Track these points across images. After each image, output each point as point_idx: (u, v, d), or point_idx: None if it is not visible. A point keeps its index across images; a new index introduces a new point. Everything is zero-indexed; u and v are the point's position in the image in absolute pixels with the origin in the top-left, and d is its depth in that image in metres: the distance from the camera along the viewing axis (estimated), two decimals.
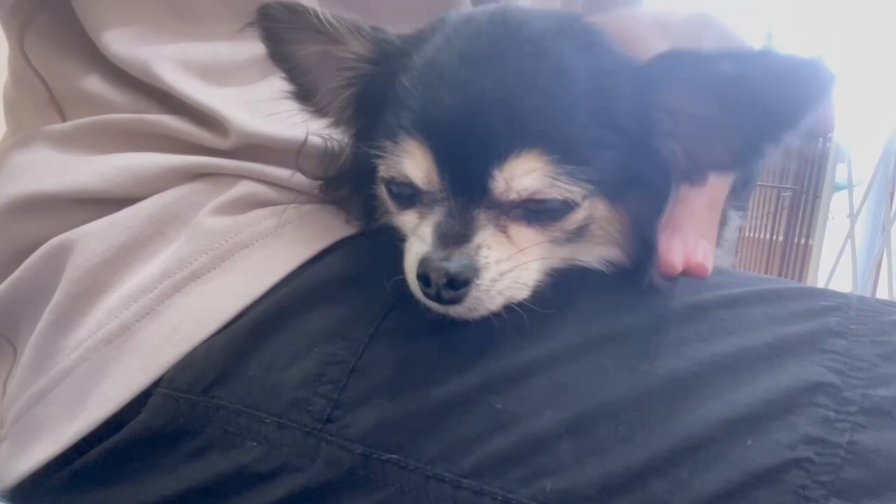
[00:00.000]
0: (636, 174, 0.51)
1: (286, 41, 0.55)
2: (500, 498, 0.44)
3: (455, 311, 0.49)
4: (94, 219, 0.58)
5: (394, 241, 0.53)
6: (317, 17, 0.52)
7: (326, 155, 0.58)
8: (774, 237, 2.38)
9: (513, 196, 0.48)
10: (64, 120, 0.65)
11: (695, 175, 0.51)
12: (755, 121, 0.47)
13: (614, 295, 0.51)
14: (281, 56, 0.56)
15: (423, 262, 0.48)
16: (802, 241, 2.36)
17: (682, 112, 0.49)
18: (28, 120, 0.67)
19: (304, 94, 0.57)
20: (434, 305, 0.49)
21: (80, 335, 0.55)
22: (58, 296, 0.56)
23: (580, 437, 0.44)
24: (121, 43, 0.61)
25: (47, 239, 0.59)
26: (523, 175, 0.48)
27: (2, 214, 0.60)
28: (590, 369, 0.47)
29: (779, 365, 0.45)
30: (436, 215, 0.50)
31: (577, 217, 0.51)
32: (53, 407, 0.55)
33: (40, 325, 0.57)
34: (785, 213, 2.38)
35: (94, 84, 0.63)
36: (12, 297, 0.60)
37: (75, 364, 0.55)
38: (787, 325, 0.48)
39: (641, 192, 0.51)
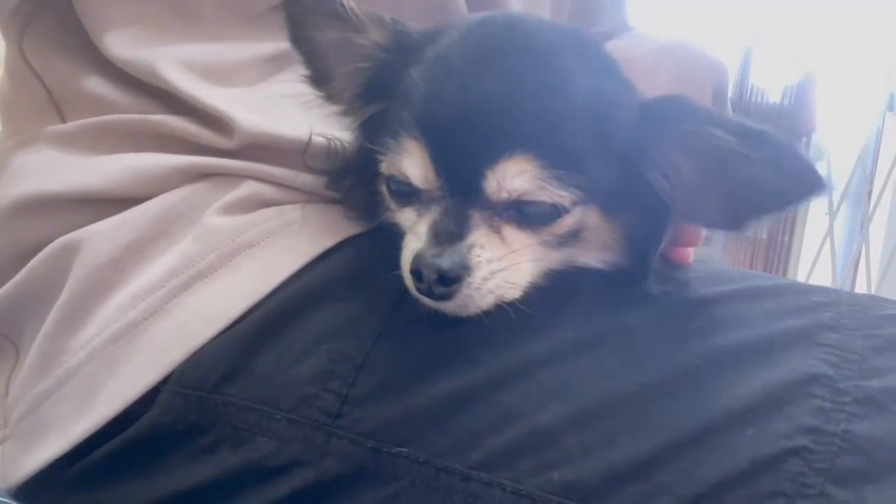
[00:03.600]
0: (631, 192, 0.52)
1: (309, 25, 0.56)
2: (508, 489, 0.45)
3: (446, 307, 0.50)
4: (99, 219, 0.59)
5: (397, 240, 0.54)
6: (341, 4, 0.53)
7: (330, 153, 0.59)
8: (759, 234, 2.42)
9: (504, 196, 0.50)
10: (64, 121, 0.65)
11: (690, 218, 0.53)
12: (743, 197, 0.49)
13: (615, 292, 0.53)
14: (302, 40, 0.57)
15: (416, 259, 0.49)
16: (786, 238, 2.40)
17: (676, 162, 0.51)
18: (26, 121, 0.67)
19: (320, 80, 0.58)
20: (426, 301, 0.50)
21: (87, 334, 0.56)
22: (65, 295, 0.57)
23: (586, 430, 0.46)
24: (123, 45, 0.62)
25: (51, 239, 0.59)
26: (514, 176, 0.49)
27: (6, 215, 0.60)
28: (594, 364, 0.48)
29: (776, 358, 0.47)
30: (432, 213, 0.51)
31: (566, 223, 0.52)
32: (60, 406, 0.56)
33: (47, 325, 0.57)
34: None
35: (96, 85, 0.64)
36: (17, 298, 0.60)
37: (83, 363, 0.55)
38: (783, 319, 0.49)
39: (636, 209, 0.53)
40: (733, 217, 0.51)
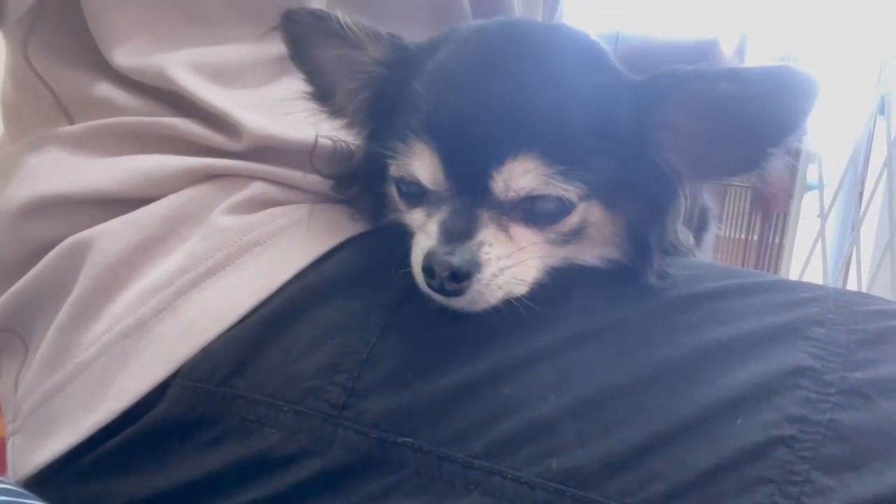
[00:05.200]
0: (632, 182, 0.54)
1: (308, 44, 0.57)
2: (509, 476, 0.47)
3: (457, 303, 0.52)
4: (108, 219, 0.60)
5: (402, 238, 0.56)
6: (338, 22, 0.55)
7: (336, 155, 0.61)
8: (750, 236, 2.44)
9: (511, 195, 0.52)
10: (72, 124, 0.66)
11: (705, 179, 0.55)
12: (756, 133, 0.51)
13: (612, 288, 0.54)
14: (302, 58, 0.58)
15: (429, 256, 0.51)
16: (777, 240, 2.42)
17: (681, 127, 0.52)
18: (31, 125, 0.68)
19: (322, 96, 0.60)
20: (437, 297, 0.52)
21: (97, 330, 0.57)
22: (76, 292, 0.58)
23: (583, 420, 0.47)
24: (131, 55, 0.63)
25: (61, 239, 0.60)
26: (520, 176, 0.51)
27: (16, 216, 0.62)
28: (591, 357, 0.50)
29: (764, 351, 0.48)
30: (441, 213, 0.53)
31: (572, 220, 0.54)
32: (71, 400, 0.57)
33: (58, 321, 0.58)
34: (759, 211, 2.44)
35: (104, 89, 0.64)
36: (28, 295, 0.62)
37: (93, 358, 0.57)
38: (772, 314, 0.51)
39: (638, 198, 0.55)
40: (750, 156, 0.52)
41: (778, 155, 0.51)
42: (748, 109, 0.50)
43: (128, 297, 0.57)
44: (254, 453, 0.53)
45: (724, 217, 2.41)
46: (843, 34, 2.28)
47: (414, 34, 0.59)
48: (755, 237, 2.44)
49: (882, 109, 2.32)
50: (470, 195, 0.52)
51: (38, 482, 0.58)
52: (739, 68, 0.50)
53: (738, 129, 0.51)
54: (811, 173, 2.42)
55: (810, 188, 2.47)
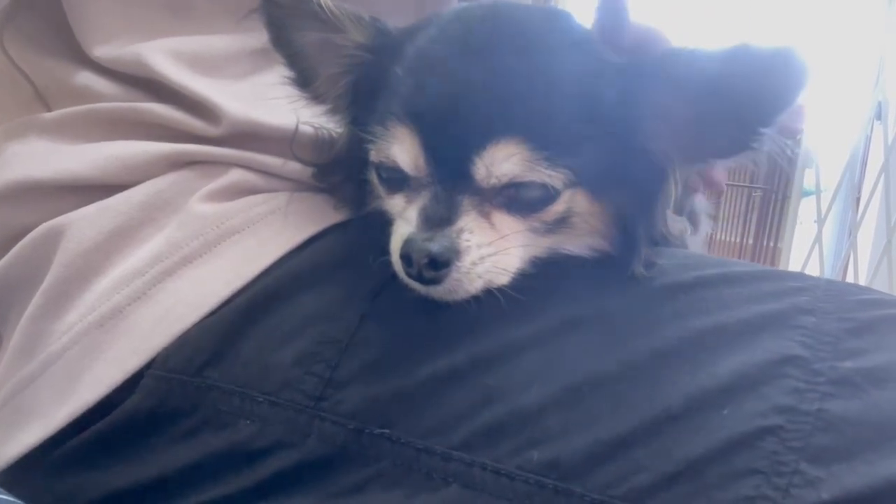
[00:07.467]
0: (619, 169, 0.53)
1: (289, 28, 0.56)
2: (489, 468, 0.46)
3: (435, 291, 0.50)
4: (84, 205, 0.59)
5: (383, 226, 0.55)
6: (319, 5, 0.54)
7: (318, 143, 0.60)
8: (745, 240, 2.43)
9: (493, 181, 0.50)
10: (50, 112, 0.66)
11: (695, 162, 0.53)
12: (746, 112, 0.49)
13: (597, 277, 0.53)
14: (282, 42, 0.57)
15: (407, 243, 0.49)
16: (772, 243, 2.42)
17: (670, 109, 0.51)
18: (9, 116, 0.66)
19: (303, 81, 0.58)
20: (415, 285, 0.51)
21: (70, 319, 0.56)
22: (49, 280, 0.57)
23: (566, 410, 0.46)
24: (111, 47, 0.62)
25: (36, 226, 0.59)
26: (502, 161, 0.49)
27: None
28: (575, 346, 0.48)
29: (752, 340, 0.47)
30: (422, 199, 0.51)
31: (556, 209, 0.52)
32: (43, 391, 0.56)
33: (30, 309, 0.57)
34: (755, 213, 2.43)
35: (83, 78, 0.64)
36: (0, 284, 0.60)
37: (66, 347, 0.55)
38: (760, 303, 0.49)
39: (625, 187, 0.53)
40: (741, 137, 0.50)
41: (769, 135, 0.49)
42: (738, 88, 0.48)
43: (102, 284, 0.56)
44: (229, 445, 0.51)
45: (720, 219, 2.40)
46: (840, 39, 2.28)
47: (402, 24, 0.58)
48: (750, 241, 2.43)
49: (879, 114, 2.31)
50: (451, 181, 0.51)
51: (9, 477, 0.57)
52: (727, 47, 0.48)
53: (728, 108, 0.50)
54: (808, 178, 2.41)
55: (807, 193, 2.46)
